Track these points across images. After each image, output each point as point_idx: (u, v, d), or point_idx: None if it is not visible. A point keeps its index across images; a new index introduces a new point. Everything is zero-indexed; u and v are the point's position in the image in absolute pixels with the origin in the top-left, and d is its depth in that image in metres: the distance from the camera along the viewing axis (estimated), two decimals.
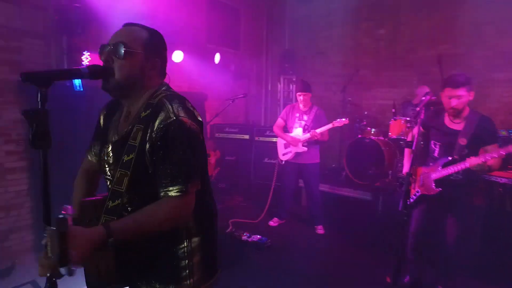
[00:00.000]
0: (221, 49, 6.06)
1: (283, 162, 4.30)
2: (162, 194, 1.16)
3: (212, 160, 5.48)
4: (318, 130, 3.92)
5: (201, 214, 1.35)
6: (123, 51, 1.22)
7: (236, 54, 6.58)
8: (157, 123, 1.19)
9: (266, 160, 5.72)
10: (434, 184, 2.57)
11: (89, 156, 1.50)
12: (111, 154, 1.31)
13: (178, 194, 1.14)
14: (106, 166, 1.34)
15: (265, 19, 6.89)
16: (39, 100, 1.09)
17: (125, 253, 1.22)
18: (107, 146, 1.33)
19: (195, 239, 1.34)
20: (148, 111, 1.24)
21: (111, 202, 1.20)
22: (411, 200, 2.74)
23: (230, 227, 4.17)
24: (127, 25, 1.33)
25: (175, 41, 5.14)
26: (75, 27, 3.84)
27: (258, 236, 3.80)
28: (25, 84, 1.11)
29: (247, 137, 5.99)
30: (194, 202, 1.21)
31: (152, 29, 1.36)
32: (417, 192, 2.71)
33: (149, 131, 1.20)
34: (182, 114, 1.21)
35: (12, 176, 3.80)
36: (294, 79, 6.24)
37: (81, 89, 4.01)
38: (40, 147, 1.10)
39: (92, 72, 1.19)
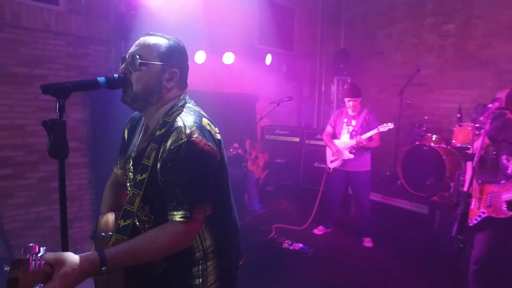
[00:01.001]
0: (273, 50, 6.00)
1: (331, 170, 4.10)
2: (168, 217, 1.12)
3: (260, 162, 5.45)
4: (364, 136, 3.67)
5: (220, 234, 1.31)
6: (138, 63, 1.21)
7: (289, 54, 6.47)
8: (169, 143, 1.14)
9: (315, 164, 5.53)
10: (505, 206, 2.21)
11: (115, 169, 1.49)
12: (132, 169, 1.30)
13: (181, 219, 1.10)
14: (127, 182, 1.33)
15: (320, 18, 6.66)
16: (57, 111, 1.13)
17: (137, 268, 1.21)
18: (129, 162, 1.32)
19: (211, 259, 1.29)
20: (163, 130, 1.19)
21: (122, 221, 1.18)
22: (475, 222, 2.39)
23: (273, 233, 4.10)
24: (147, 35, 1.30)
25: (226, 43, 5.21)
26: (130, 33, 4.08)
27: (300, 245, 3.68)
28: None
29: (297, 139, 5.87)
30: (198, 228, 1.16)
31: (173, 39, 1.31)
32: (483, 213, 2.36)
33: (161, 151, 1.16)
34: (195, 134, 1.14)
35: (75, 170, 4.19)
36: (348, 80, 5.94)
37: None
38: (57, 156, 1.13)
39: (109, 82, 1.20)
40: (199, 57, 4.91)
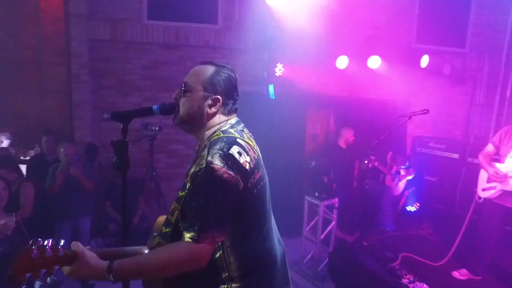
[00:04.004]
0: (434, 49, 5.14)
1: (481, 200, 3.21)
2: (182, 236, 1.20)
3: (402, 178, 4.80)
4: None
5: (248, 262, 1.31)
6: (183, 89, 1.34)
7: (458, 53, 5.37)
8: (194, 166, 1.23)
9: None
10: None
11: None
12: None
13: (189, 241, 1.15)
14: None
15: None
16: (121, 133, 1.40)
17: (171, 282, 1.36)
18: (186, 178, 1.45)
19: (238, 282, 1.30)
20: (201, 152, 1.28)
21: (164, 227, 1.33)
22: None
23: (397, 262, 3.57)
24: (200, 63, 1.41)
25: (372, 45, 4.81)
26: (272, 43, 4.37)
27: (425, 286, 3.07)
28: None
29: (456, 156, 4.86)
30: (207, 253, 1.18)
31: (221, 67, 1.37)
32: None
33: (191, 172, 1.25)
34: (216, 161, 1.17)
35: None
36: None
37: (273, 97, 4.55)
38: (121, 169, 1.41)
39: (161, 109, 1.39)
40: (341, 62, 4.76)
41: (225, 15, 4.68)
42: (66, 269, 1.12)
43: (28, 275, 1.01)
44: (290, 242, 4.51)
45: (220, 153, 1.20)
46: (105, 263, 1.14)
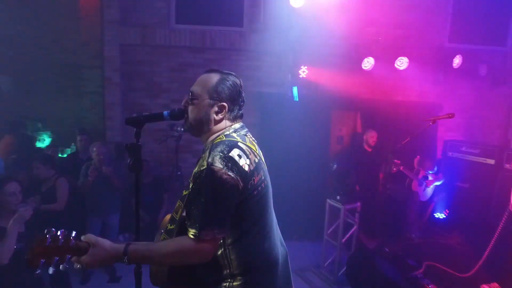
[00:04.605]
0: (470, 48, 4.88)
1: None
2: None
3: (430, 183, 4.61)
4: None
5: (247, 260, 1.35)
6: (190, 98, 1.41)
7: (496, 51, 5.06)
8: (196, 168, 1.31)
9: None
10: None
11: None
12: None
13: (192, 237, 1.23)
14: None
15: None
16: (134, 136, 1.49)
17: (180, 267, 1.44)
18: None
19: (239, 280, 1.36)
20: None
21: (169, 225, 1.43)
22: None
23: (421, 270, 3.44)
24: (206, 71, 1.48)
25: (401, 46, 4.67)
26: (295, 45, 4.37)
27: None
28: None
29: (491, 162, 4.60)
30: (209, 249, 1.24)
31: (226, 75, 1.43)
32: None
33: (193, 173, 1.32)
34: (216, 163, 1.24)
35: None
36: None
37: (297, 99, 4.54)
38: (135, 170, 1.50)
39: (171, 115, 1.47)
40: (366, 63, 4.65)
41: (250, 18, 4.74)
42: (82, 259, 1.20)
43: (42, 260, 1.13)
44: (312, 245, 4.53)
45: (221, 155, 1.26)
46: (121, 247, 1.22)
